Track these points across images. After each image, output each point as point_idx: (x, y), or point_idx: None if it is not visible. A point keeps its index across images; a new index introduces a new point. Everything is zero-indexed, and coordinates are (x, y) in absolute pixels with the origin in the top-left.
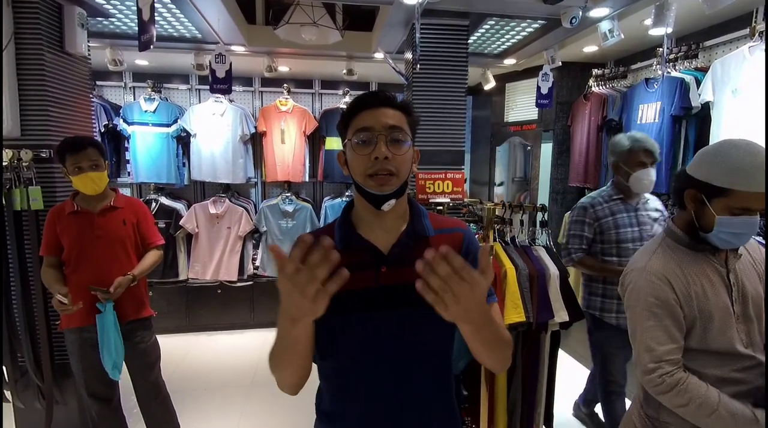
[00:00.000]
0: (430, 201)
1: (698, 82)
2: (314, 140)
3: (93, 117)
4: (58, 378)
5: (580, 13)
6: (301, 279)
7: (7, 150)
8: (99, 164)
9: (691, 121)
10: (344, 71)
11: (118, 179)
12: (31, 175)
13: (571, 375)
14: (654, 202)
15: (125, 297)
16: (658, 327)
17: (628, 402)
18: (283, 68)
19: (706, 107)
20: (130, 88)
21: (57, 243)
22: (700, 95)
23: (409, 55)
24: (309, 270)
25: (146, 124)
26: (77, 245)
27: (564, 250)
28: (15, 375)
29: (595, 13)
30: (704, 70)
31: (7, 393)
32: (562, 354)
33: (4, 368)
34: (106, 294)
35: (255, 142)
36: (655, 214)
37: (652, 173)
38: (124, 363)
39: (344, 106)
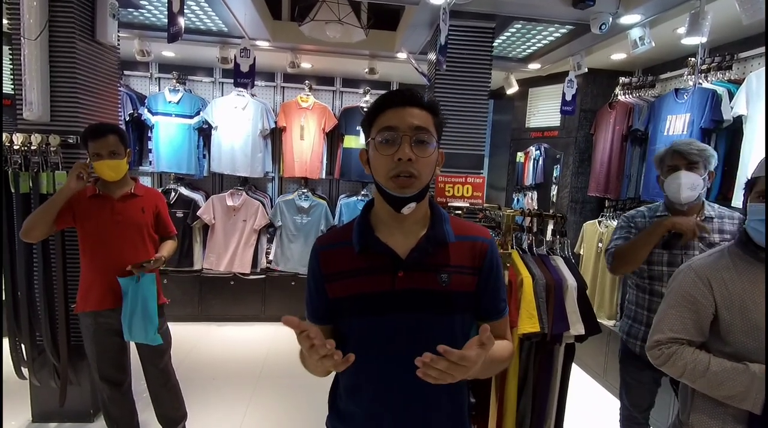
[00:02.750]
0: (449, 204)
1: (731, 95)
2: (333, 138)
3: (119, 105)
4: (74, 359)
5: (611, 19)
6: (314, 356)
7: (35, 134)
8: (118, 152)
9: (721, 135)
10: (366, 70)
11: (140, 167)
12: (58, 160)
13: (584, 391)
14: (724, 224)
15: None
16: (677, 316)
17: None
18: (305, 65)
19: (738, 121)
20: (155, 78)
21: (65, 217)
22: (732, 108)
23: (432, 56)
24: (315, 354)
25: (170, 114)
26: (95, 229)
27: (606, 252)
28: (33, 353)
29: (626, 19)
30: (738, 83)
31: (25, 371)
32: (575, 368)
33: (23, 346)
34: (147, 265)
35: (274, 137)
36: (714, 238)
37: (682, 176)
38: (135, 347)
39: (364, 105)
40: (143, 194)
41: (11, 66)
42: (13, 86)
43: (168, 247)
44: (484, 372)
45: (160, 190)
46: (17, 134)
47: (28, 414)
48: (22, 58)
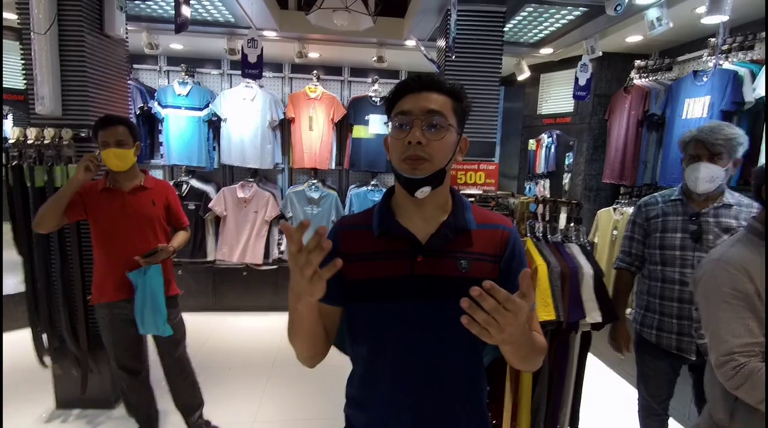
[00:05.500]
0: (461, 192)
1: (753, 76)
2: (342, 128)
3: (129, 99)
4: (93, 348)
5: None
6: (301, 261)
7: (48, 128)
8: (125, 142)
9: (743, 118)
10: (374, 58)
11: (152, 161)
12: (71, 154)
13: (600, 379)
14: (741, 211)
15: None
16: (734, 319)
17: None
18: (313, 54)
19: (760, 103)
20: (164, 71)
21: (76, 209)
22: (755, 90)
23: (441, 43)
24: (306, 253)
25: (179, 107)
26: (107, 221)
27: (619, 252)
28: (54, 342)
29: None
30: (760, 63)
31: (47, 360)
32: (591, 356)
33: (44, 335)
34: (153, 255)
35: (283, 128)
36: (731, 223)
37: (702, 169)
38: (151, 337)
39: (373, 94)
40: (153, 186)
41: (22, 61)
42: (24, 81)
43: (180, 238)
44: (523, 350)
45: (171, 182)
46: (31, 129)
47: (51, 402)
48: (32, 53)
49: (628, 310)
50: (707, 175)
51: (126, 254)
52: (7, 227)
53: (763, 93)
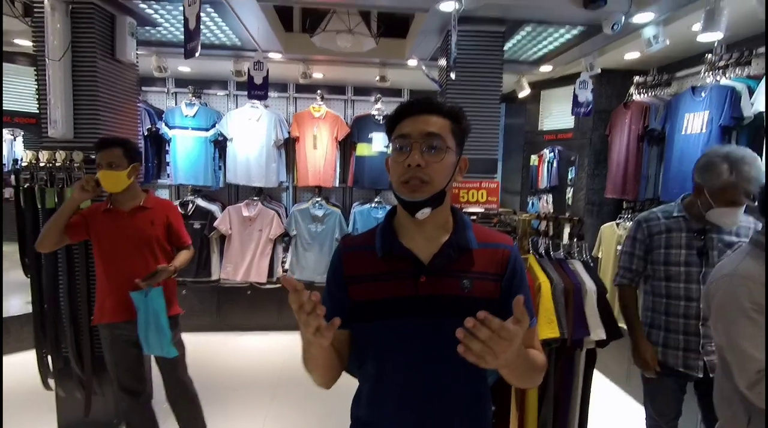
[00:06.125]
0: (464, 210)
1: (751, 91)
2: (345, 146)
3: (139, 121)
4: (98, 370)
5: (623, 18)
6: (302, 319)
7: (60, 151)
8: (117, 164)
9: (742, 133)
10: (377, 78)
11: (159, 180)
12: (81, 176)
13: (607, 397)
14: (741, 228)
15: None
16: (757, 334)
17: None
18: (317, 75)
19: (759, 118)
20: (172, 93)
21: (77, 229)
22: (753, 105)
23: (442, 62)
24: (304, 314)
25: (186, 128)
26: (108, 242)
27: (615, 277)
28: (58, 364)
29: (639, 18)
30: (758, 78)
31: (51, 382)
32: (597, 374)
33: (49, 358)
34: (153, 276)
35: (288, 147)
36: (733, 239)
37: (739, 214)
38: (153, 359)
39: (376, 113)
40: (153, 206)
41: (36, 86)
42: (38, 106)
43: (181, 258)
44: (520, 370)
45: (177, 202)
46: (43, 152)
47: (54, 425)
48: (47, 79)
49: None
50: (739, 221)
51: (126, 275)
52: (14, 247)
53: (761, 108)
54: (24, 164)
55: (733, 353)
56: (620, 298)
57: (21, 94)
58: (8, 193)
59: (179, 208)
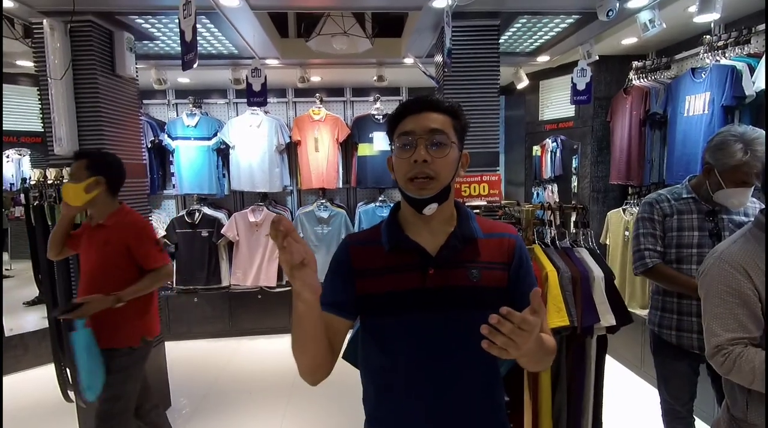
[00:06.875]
0: (466, 204)
1: (752, 70)
2: (347, 147)
3: (141, 134)
4: None
5: (617, 4)
6: (278, 242)
7: (67, 168)
8: (78, 176)
9: (744, 111)
10: (375, 78)
11: (164, 191)
12: None
13: (621, 383)
14: (749, 207)
15: (102, 321)
16: (727, 314)
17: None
18: (315, 78)
19: (761, 96)
20: (173, 104)
21: (75, 241)
22: (754, 83)
23: (439, 58)
24: (280, 241)
25: (188, 138)
26: (82, 259)
27: (636, 253)
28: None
29: (634, 3)
30: (758, 56)
31: (71, 394)
32: (610, 360)
33: (68, 370)
34: (78, 308)
35: (290, 151)
36: (742, 219)
37: (748, 194)
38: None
39: (375, 112)
40: (112, 225)
41: (40, 106)
42: (42, 124)
43: (141, 283)
44: (537, 356)
45: (184, 211)
46: (50, 169)
47: None
48: (50, 98)
49: (644, 312)
50: (747, 201)
51: (90, 293)
52: (28, 264)
53: (763, 86)
54: (32, 183)
55: (704, 327)
56: (659, 278)
57: (25, 114)
58: (19, 211)
59: (154, 224)
